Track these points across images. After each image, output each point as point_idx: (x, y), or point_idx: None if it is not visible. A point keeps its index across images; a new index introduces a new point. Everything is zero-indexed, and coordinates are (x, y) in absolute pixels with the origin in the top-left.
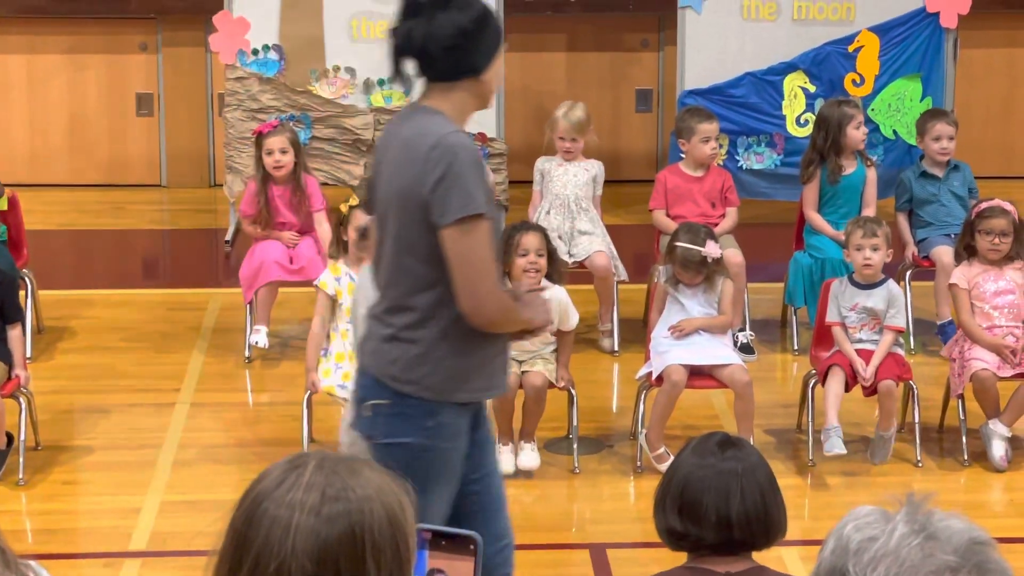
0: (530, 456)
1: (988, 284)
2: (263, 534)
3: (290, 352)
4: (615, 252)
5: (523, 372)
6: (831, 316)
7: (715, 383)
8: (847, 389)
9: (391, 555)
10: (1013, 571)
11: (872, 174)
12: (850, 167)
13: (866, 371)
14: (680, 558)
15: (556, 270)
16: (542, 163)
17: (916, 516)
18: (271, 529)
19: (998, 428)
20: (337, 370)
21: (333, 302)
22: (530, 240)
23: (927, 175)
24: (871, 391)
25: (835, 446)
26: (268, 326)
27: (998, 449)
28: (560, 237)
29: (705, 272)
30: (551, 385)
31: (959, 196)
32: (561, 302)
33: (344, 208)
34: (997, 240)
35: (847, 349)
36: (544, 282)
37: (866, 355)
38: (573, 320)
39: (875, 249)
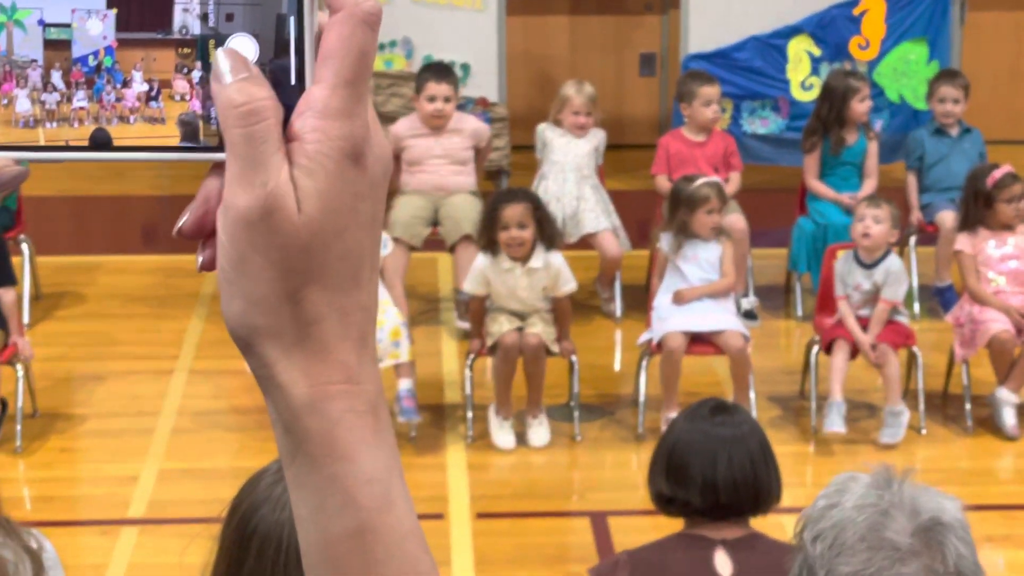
0: (539, 432)
1: (992, 250)
2: (254, 553)
3: None
4: (619, 223)
5: (522, 333)
6: (838, 291)
7: (714, 349)
8: (852, 357)
9: None
10: (972, 555)
11: (874, 146)
12: (852, 138)
13: (868, 349)
14: (679, 525)
15: (548, 236)
16: (543, 131)
17: (881, 488)
18: (263, 547)
19: (1007, 396)
20: None
21: None
22: (511, 213)
23: (940, 132)
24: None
25: (834, 423)
26: None
27: (1009, 417)
28: (559, 200)
29: (719, 210)
30: (549, 352)
31: (970, 158)
32: (554, 267)
33: None
34: (1021, 205)
35: (851, 325)
36: (536, 254)
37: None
38: (568, 286)
39: (877, 221)
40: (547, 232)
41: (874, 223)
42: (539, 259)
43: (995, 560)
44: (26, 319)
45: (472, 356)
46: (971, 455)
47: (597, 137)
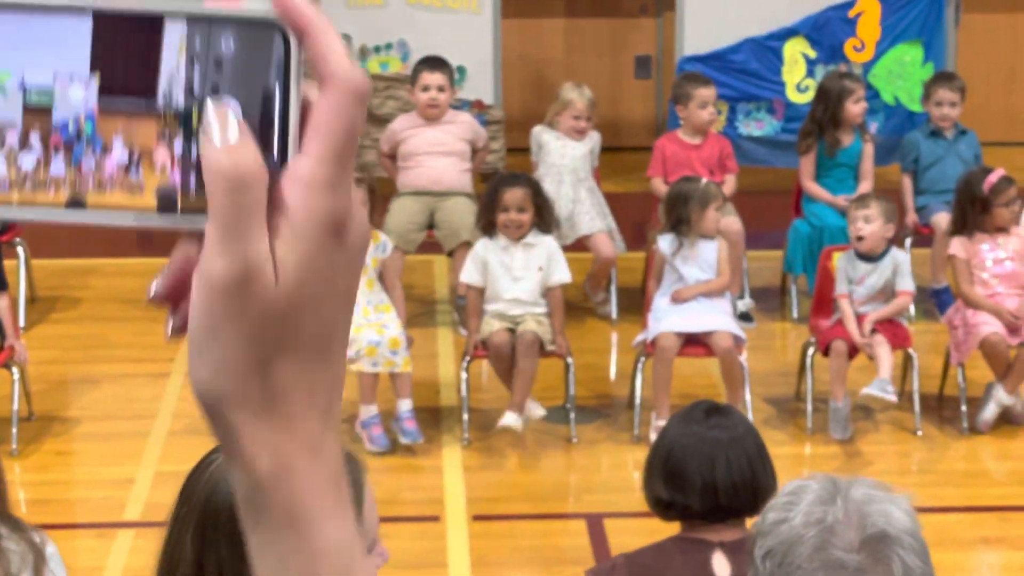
0: (513, 417)
1: (987, 253)
2: (225, 533)
3: None
4: (615, 226)
5: (517, 333)
6: (840, 288)
7: (706, 351)
8: (850, 358)
9: None
10: (922, 562)
11: (869, 148)
12: (848, 140)
13: (862, 335)
14: (676, 528)
15: (546, 220)
16: (539, 133)
17: (827, 503)
18: (232, 522)
19: (999, 394)
20: (362, 319)
21: None
22: (511, 196)
23: (936, 135)
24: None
25: (836, 430)
26: None
27: (990, 413)
28: (556, 202)
29: (721, 204)
30: (544, 351)
31: (965, 161)
32: (548, 249)
33: None
34: (1017, 208)
35: (850, 323)
36: (533, 233)
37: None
38: (561, 275)
39: (867, 220)
40: (545, 218)
41: (865, 223)
42: (534, 237)
43: (990, 561)
44: (22, 322)
45: (468, 359)
46: (966, 457)
47: (593, 140)
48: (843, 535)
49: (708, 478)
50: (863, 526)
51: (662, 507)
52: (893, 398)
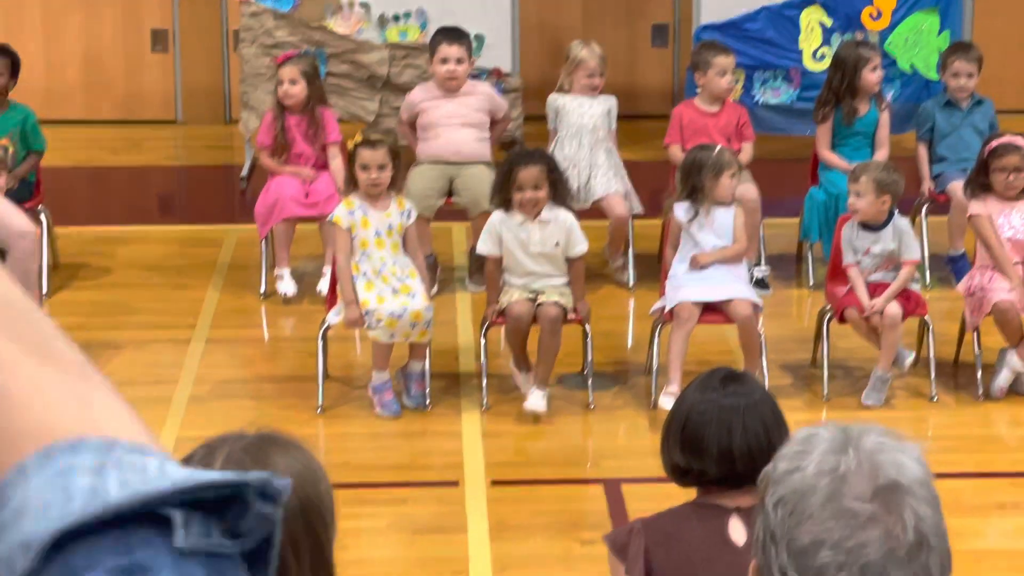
0: (538, 399)
1: (1000, 219)
2: None
3: (304, 288)
4: (631, 187)
5: (538, 304)
6: (847, 258)
7: (724, 318)
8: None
9: (309, 543)
10: (933, 513)
11: (885, 117)
12: (864, 109)
13: (872, 305)
14: (692, 494)
15: (561, 195)
16: (554, 100)
17: (839, 452)
18: None
19: (1012, 359)
20: (387, 288)
21: (350, 235)
22: (526, 175)
23: (951, 105)
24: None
25: (869, 396)
26: (289, 266)
27: (1004, 379)
28: (575, 166)
29: (736, 171)
30: (567, 319)
31: (980, 131)
32: (565, 224)
33: (350, 145)
34: (1011, 176)
35: (859, 292)
36: (548, 207)
37: (883, 289)
38: (580, 247)
39: (858, 195)
40: (560, 193)
41: (856, 198)
42: (549, 213)
43: (1004, 527)
44: (44, 289)
45: (486, 324)
46: (982, 422)
47: (609, 101)
48: (855, 485)
49: (724, 445)
50: (875, 476)
51: (679, 474)
52: (880, 404)
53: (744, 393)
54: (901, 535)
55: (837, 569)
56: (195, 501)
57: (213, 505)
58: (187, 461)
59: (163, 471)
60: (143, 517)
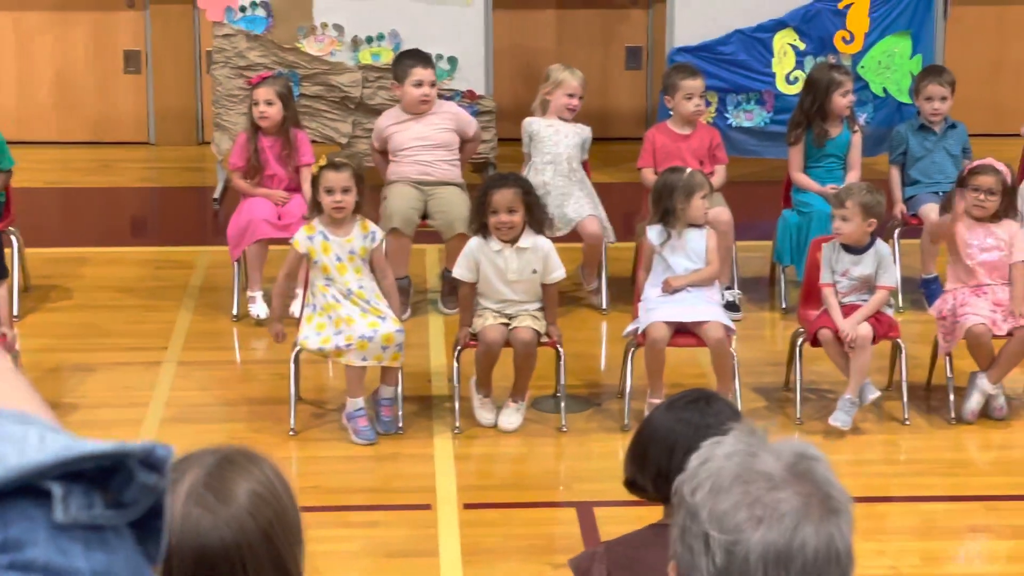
0: (512, 416)
1: (975, 240)
2: None
3: None
4: (605, 215)
5: (511, 328)
6: (824, 278)
7: (697, 340)
8: (840, 344)
9: (271, 568)
10: (839, 483)
11: (857, 139)
12: (836, 131)
13: (844, 332)
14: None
15: (537, 220)
16: (529, 124)
17: (747, 438)
18: None
19: (982, 383)
20: (329, 321)
21: (307, 260)
22: (500, 198)
23: (924, 129)
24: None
25: (836, 418)
26: (261, 288)
27: (974, 402)
28: (549, 193)
29: (707, 192)
30: (540, 342)
31: (952, 155)
32: (542, 251)
33: (315, 170)
34: (983, 196)
35: (833, 312)
36: (526, 234)
37: (855, 311)
38: (557, 273)
39: (844, 220)
40: (536, 217)
41: (842, 222)
42: (528, 240)
43: (976, 550)
44: (16, 310)
45: (459, 348)
46: (954, 446)
47: (584, 132)
48: (765, 457)
49: (664, 465)
50: (782, 452)
51: (627, 484)
52: (847, 427)
53: (706, 415)
54: (814, 494)
55: (756, 523)
56: (76, 473)
57: (96, 476)
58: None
59: (43, 441)
60: (23, 490)
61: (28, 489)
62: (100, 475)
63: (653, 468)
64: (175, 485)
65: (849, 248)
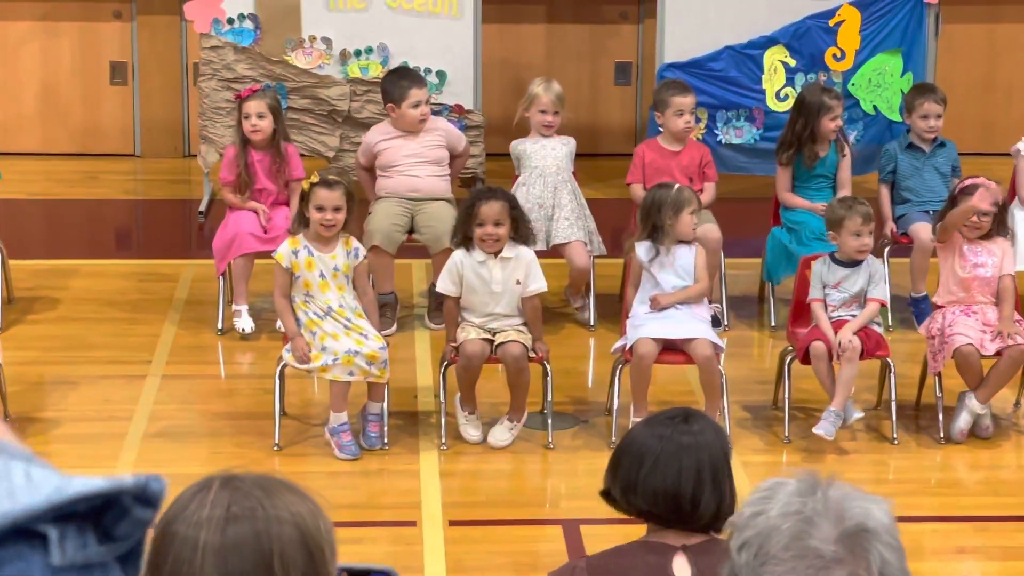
0: (503, 433)
1: (970, 256)
2: (173, 555)
3: (262, 325)
4: (594, 228)
5: (498, 344)
6: (814, 293)
7: (684, 358)
8: (831, 360)
9: None
10: (898, 560)
11: (846, 161)
12: (825, 152)
13: (838, 339)
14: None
15: (522, 233)
16: (516, 146)
17: (806, 495)
18: (180, 550)
19: (971, 403)
20: (313, 338)
21: (290, 275)
22: (487, 211)
23: (913, 147)
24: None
25: (820, 427)
26: (247, 302)
27: (963, 422)
28: (541, 207)
29: (695, 208)
30: (529, 357)
31: (942, 173)
32: (524, 260)
33: (305, 185)
34: (976, 218)
35: (824, 326)
36: (509, 245)
37: (843, 326)
38: (536, 284)
39: (857, 235)
40: (521, 231)
41: (855, 238)
42: (511, 250)
43: (965, 571)
44: None
45: (445, 364)
46: (943, 466)
47: (569, 143)
48: (821, 526)
49: (632, 479)
50: (841, 519)
51: (603, 495)
52: (831, 437)
53: (683, 433)
54: None
55: None
56: (69, 513)
57: (88, 513)
58: (178, 497)
59: (30, 479)
60: (16, 532)
61: (21, 530)
62: (92, 512)
63: (623, 480)
64: (190, 508)
65: (840, 262)
